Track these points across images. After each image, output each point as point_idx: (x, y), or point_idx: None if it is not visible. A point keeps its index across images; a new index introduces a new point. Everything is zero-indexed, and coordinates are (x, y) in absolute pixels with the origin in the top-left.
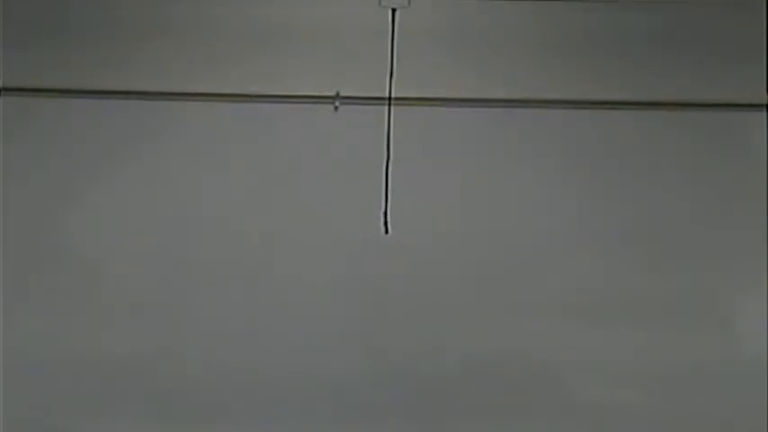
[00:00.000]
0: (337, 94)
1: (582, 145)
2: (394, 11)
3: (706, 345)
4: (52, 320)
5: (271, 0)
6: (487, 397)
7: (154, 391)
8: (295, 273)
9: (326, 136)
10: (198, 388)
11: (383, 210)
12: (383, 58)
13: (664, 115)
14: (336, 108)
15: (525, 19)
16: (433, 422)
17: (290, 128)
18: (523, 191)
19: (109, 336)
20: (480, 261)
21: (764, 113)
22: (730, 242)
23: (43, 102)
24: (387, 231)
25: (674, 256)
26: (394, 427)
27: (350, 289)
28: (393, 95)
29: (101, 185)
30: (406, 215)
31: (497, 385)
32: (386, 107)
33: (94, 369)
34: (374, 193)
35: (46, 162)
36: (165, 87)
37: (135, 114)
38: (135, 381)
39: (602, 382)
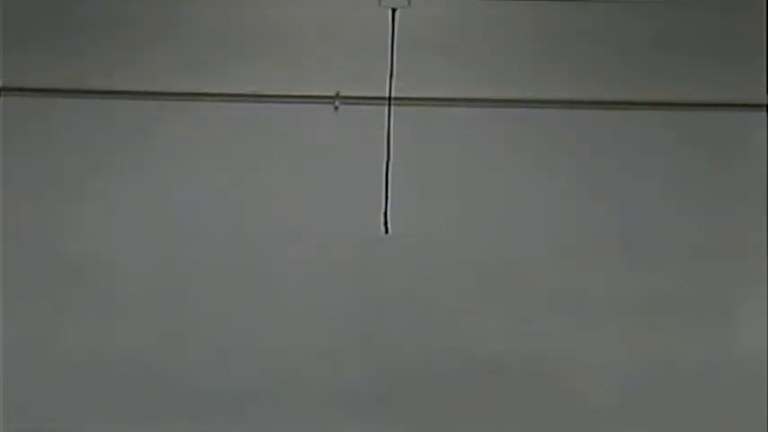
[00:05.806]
0: (337, 94)
1: (582, 145)
2: (394, 11)
3: (706, 345)
4: (52, 320)
5: (271, 1)
6: (487, 396)
7: (154, 391)
8: (295, 272)
9: (326, 136)
10: (198, 388)
11: (383, 210)
12: (383, 58)
13: (663, 115)
14: (336, 108)
15: (525, 19)
16: (432, 422)
17: (290, 128)
18: (523, 190)
19: (109, 336)
20: (480, 261)
21: (764, 113)
22: (730, 242)
23: (43, 102)
24: (387, 231)
25: (675, 256)
26: (393, 426)
27: (350, 288)
28: (393, 95)
29: (101, 185)
30: (407, 215)
31: (497, 384)
32: (386, 107)
33: (94, 369)
34: (374, 193)
35: (46, 162)
36: (166, 87)
37: (135, 114)
38: (135, 380)
39: (602, 382)
